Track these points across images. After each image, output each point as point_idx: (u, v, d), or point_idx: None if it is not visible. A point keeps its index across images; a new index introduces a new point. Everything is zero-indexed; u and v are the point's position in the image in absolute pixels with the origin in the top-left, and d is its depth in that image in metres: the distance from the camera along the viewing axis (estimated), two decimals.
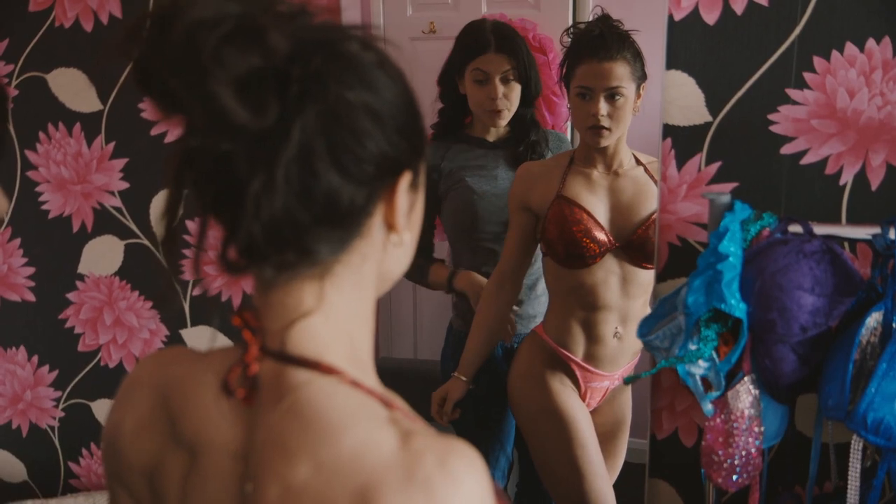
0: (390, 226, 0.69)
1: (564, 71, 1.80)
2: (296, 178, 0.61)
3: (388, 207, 0.68)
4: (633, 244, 1.77)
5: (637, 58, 1.74)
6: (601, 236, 1.75)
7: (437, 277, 2.00)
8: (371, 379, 0.69)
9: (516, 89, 1.94)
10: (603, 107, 1.72)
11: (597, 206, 1.77)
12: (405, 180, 0.68)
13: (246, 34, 0.59)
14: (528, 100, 1.97)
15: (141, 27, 0.61)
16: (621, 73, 1.71)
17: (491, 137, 2.00)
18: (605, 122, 1.73)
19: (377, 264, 0.70)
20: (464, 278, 1.94)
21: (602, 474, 1.80)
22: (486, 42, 1.91)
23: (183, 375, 0.72)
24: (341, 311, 0.68)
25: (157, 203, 1.99)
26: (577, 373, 1.84)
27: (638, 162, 1.83)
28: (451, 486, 0.59)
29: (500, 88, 1.91)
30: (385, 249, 0.70)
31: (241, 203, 0.61)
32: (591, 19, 1.83)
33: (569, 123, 2.23)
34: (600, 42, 1.72)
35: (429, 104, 2.02)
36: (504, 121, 1.96)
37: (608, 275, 1.77)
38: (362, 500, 0.58)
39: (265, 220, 0.61)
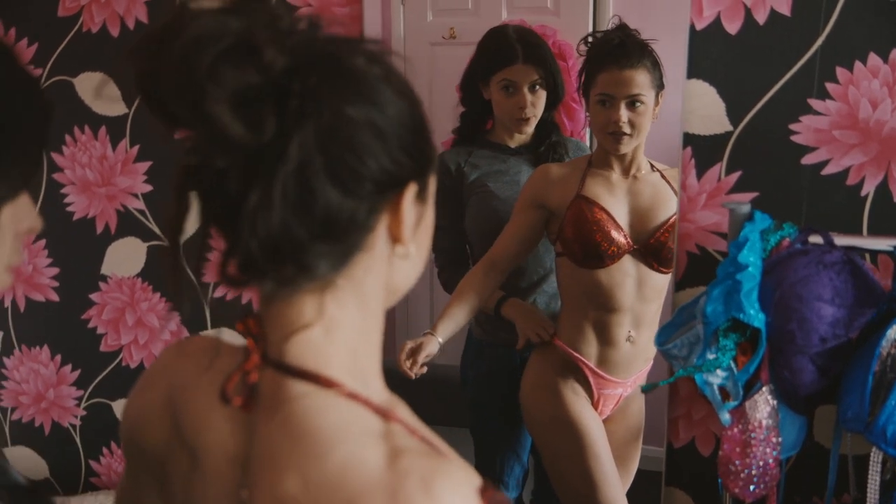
0: (396, 239, 0.68)
1: (584, 79, 1.81)
2: (293, 195, 0.61)
3: (393, 220, 0.67)
4: (650, 247, 1.77)
5: (656, 66, 1.75)
6: (620, 238, 1.76)
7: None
8: (374, 390, 0.69)
9: (543, 97, 1.95)
10: (624, 114, 1.73)
11: (616, 207, 1.78)
12: (410, 193, 0.67)
13: (242, 50, 0.59)
14: (551, 104, 1.98)
15: (144, 43, 0.62)
16: (642, 80, 1.72)
17: (513, 143, 2.01)
18: (626, 129, 1.74)
19: (382, 277, 0.70)
20: (513, 307, 1.93)
21: (615, 484, 1.80)
22: (514, 53, 1.91)
23: (190, 373, 0.73)
24: (343, 324, 0.68)
25: (169, 207, 2.01)
26: (591, 379, 1.84)
27: (653, 168, 1.84)
28: None
29: (529, 97, 1.92)
30: (391, 262, 0.70)
31: (239, 219, 0.61)
32: (609, 27, 1.83)
33: (587, 130, 2.23)
34: (621, 50, 1.73)
35: (449, 109, 2.03)
36: (531, 128, 1.97)
37: (624, 277, 1.78)
38: None
39: (262, 237, 0.61)
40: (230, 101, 0.59)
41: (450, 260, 1.99)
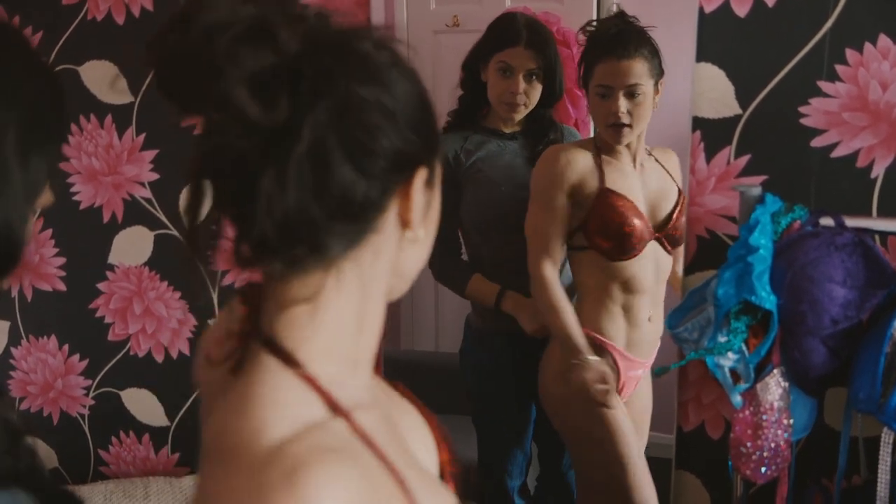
0: (405, 223, 0.70)
1: (582, 71, 1.81)
2: (308, 174, 0.62)
3: (404, 204, 0.69)
4: (667, 232, 1.79)
5: (655, 55, 1.74)
6: (644, 227, 1.77)
7: (479, 292, 1.96)
8: (355, 377, 0.70)
9: (538, 88, 1.93)
10: (623, 104, 1.72)
11: (637, 197, 1.79)
12: (421, 177, 0.69)
13: (258, 33, 0.61)
14: (548, 101, 1.97)
15: (161, 32, 0.63)
16: (640, 70, 1.72)
17: (507, 129, 2.00)
18: (625, 120, 1.74)
19: (389, 262, 0.71)
20: (513, 301, 1.92)
21: (644, 467, 1.80)
22: (518, 35, 1.90)
23: (217, 381, 0.76)
24: (337, 306, 0.69)
25: (187, 194, 2.01)
26: (620, 363, 1.84)
27: (648, 152, 1.85)
28: (280, 498, 0.58)
29: (522, 84, 1.90)
30: (400, 246, 0.71)
31: (254, 199, 0.62)
32: (608, 15, 1.83)
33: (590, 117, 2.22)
34: (618, 40, 1.73)
35: (452, 97, 2.02)
36: (519, 116, 1.95)
37: (646, 261, 1.79)
38: (208, 477, 0.61)
39: (277, 216, 0.62)
40: (247, 81, 0.60)
41: (444, 248, 1.98)
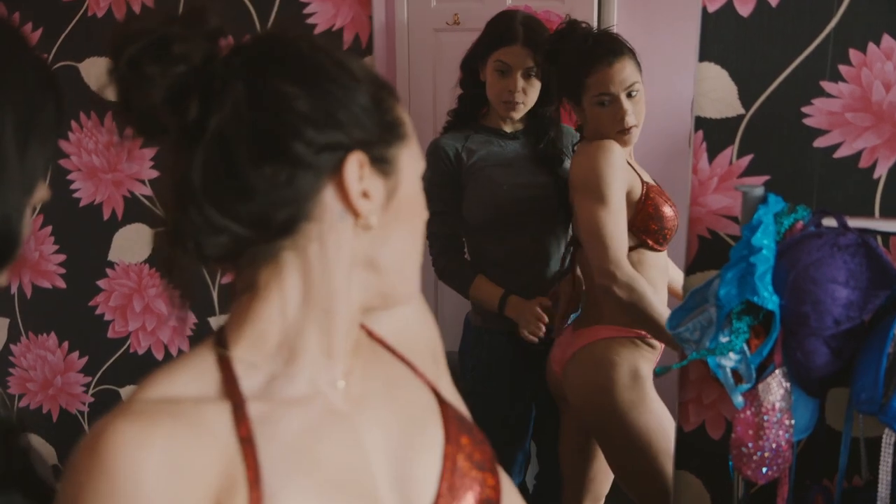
0: (352, 211, 0.70)
1: (570, 89, 1.80)
2: (213, 167, 0.65)
3: (340, 191, 0.69)
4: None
5: (633, 51, 1.76)
6: (674, 214, 1.79)
7: (483, 294, 1.95)
8: (292, 365, 0.71)
9: (536, 86, 1.93)
10: (628, 107, 1.73)
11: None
12: (353, 163, 0.69)
13: (163, 46, 0.65)
14: (547, 98, 1.97)
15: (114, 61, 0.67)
16: (631, 69, 1.74)
17: (507, 128, 2.00)
18: (632, 121, 1.75)
19: (340, 250, 0.71)
20: (516, 307, 1.91)
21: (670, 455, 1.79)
22: (515, 34, 1.90)
23: None
24: (276, 296, 0.71)
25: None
26: (655, 359, 1.84)
27: None
28: (75, 457, 0.62)
29: (521, 82, 1.90)
30: (356, 235, 0.71)
31: (177, 189, 0.67)
32: (560, 27, 1.83)
33: None
34: (601, 48, 1.73)
35: (453, 95, 2.01)
36: (517, 115, 1.95)
37: (663, 257, 1.81)
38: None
39: (192, 204, 0.66)
40: (164, 91, 0.65)
41: (447, 246, 1.97)
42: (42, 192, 0.80)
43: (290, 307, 0.71)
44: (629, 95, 1.73)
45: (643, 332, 1.79)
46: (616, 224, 1.72)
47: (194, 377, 0.69)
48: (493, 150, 1.96)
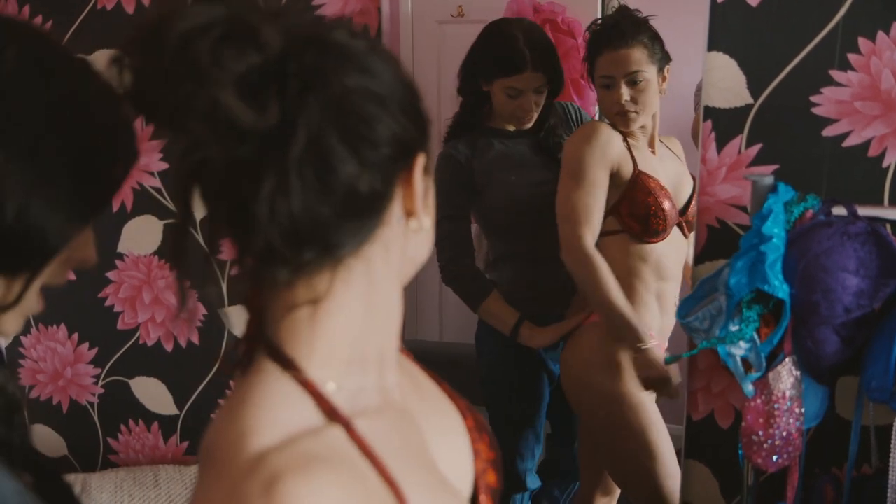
0: (409, 212, 0.68)
1: (587, 67, 1.83)
2: (311, 174, 0.60)
3: (407, 192, 0.67)
4: (686, 217, 1.80)
5: (655, 41, 1.76)
6: (672, 209, 1.78)
7: (494, 314, 1.94)
8: (364, 377, 0.68)
9: (545, 93, 1.94)
10: (625, 92, 1.75)
11: (665, 180, 1.80)
12: (420, 162, 0.67)
13: (239, 34, 0.59)
14: (551, 94, 1.97)
15: (130, 50, 0.60)
16: (638, 57, 1.74)
17: (512, 127, 2.00)
18: (629, 107, 1.76)
19: (398, 253, 0.69)
20: (532, 335, 1.90)
21: (673, 454, 1.79)
22: (523, 61, 1.87)
23: None
24: (343, 306, 0.66)
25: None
26: (653, 339, 1.84)
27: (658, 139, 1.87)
28: None
29: (533, 99, 1.91)
30: (406, 236, 0.69)
31: (255, 209, 0.59)
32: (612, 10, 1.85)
33: (596, 108, 2.22)
34: (614, 31, 1.76)
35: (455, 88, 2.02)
36: (531, 123, 1.96)
37: (670, 245, 1.80)
38: (199, 483, 0.62)
39: (284, 223, 0.60)
40: (235, 85, 0.58)
41: (458, 251, 1.97)
42: (88, 254, 0.74)
43: (357, 317, 0.67)
44: (631, 82, 1.75)
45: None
46: (584, 201, 1.75)
47: (290, 410, 0.63)
48: (502, 151, 1.97)
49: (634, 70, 1.74)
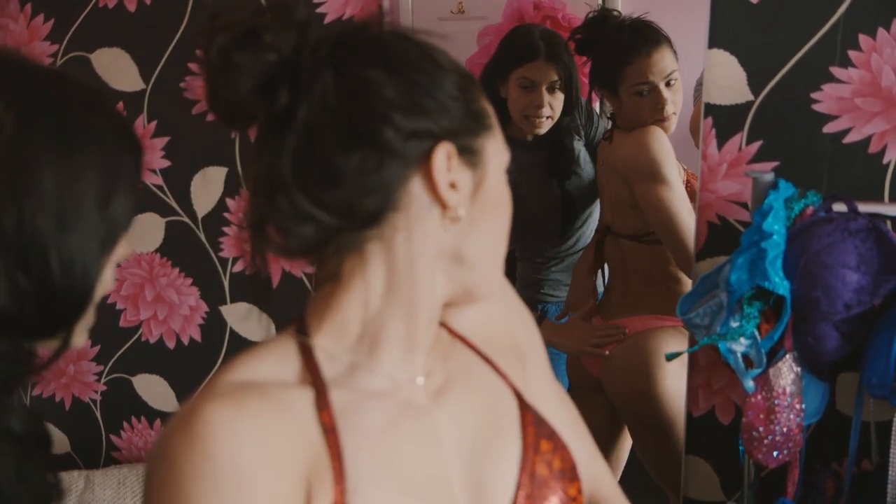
0: (440, 202, 0.68)
1: (606, 79, 1.79)
2: (303, 157, 0.65)
3: (428, 182, 0.68)
4: None
5: (668, 38, 1.76)
6: None
7: None
8: (372, 357, 0.71)
9: (560, 98, 1.94)
10: (668, 96, 1.73)
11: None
12: (441, 153, 0.67)
13: (254, 35, 0.65)
14: (568, 109, 1.97)
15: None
16: (670, 58, 1.73)
17: (529, 138, 2.01)
18: (672, 110, 1.75)
19: (434, 244, 0.70)
20: (550, 331, 1.91)
21: None
22: (537, 49, 1.89)
23: None
24: (358, 286, 0.70)
25: (198, 181, 2.01)
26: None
27: None
28: (166, 438, 0.63)
29: (546, 97, 1.91)
30: (444, 227, 0.70)
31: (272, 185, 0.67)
32: (590, 16, 1.82)
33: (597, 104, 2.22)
34: (639, 37, 1.72)
35: None
36: (544, 129, 1.96)
37: None
38: None
39: (277, 201, 0.66)
40: (253, 80, 0.66)
41: None
42: (125, 250, 0.78)
43: (374, 298, 0.70)
44: (668, 84, 1.74)
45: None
46: (683, 207, 1.71)
47: (276, 363, 0.69)
48: (519, 163, 1.97)
49: (671, 70, 1.73)
